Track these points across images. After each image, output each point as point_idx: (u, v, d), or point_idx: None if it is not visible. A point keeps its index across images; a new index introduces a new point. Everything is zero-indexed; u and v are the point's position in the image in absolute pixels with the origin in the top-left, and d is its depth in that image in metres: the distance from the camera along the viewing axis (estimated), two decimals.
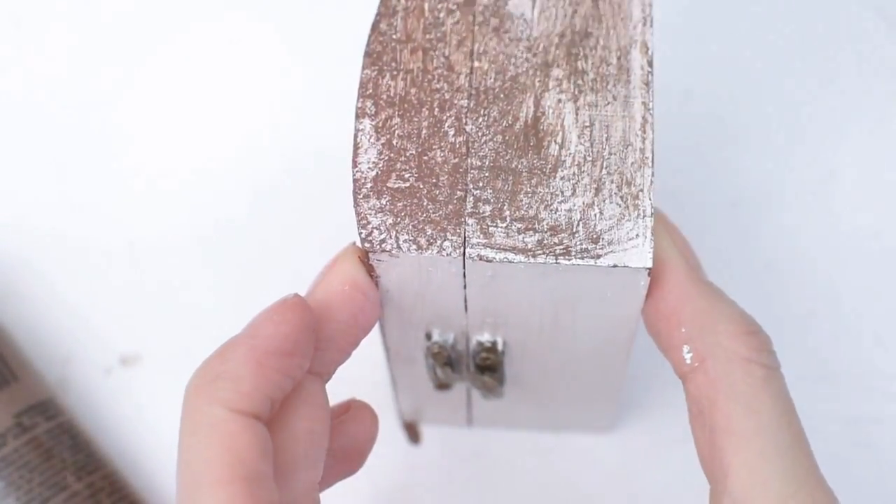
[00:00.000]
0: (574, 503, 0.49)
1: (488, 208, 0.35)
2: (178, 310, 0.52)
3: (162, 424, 0.50)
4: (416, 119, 0.36)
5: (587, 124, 0.36)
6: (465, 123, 0.36)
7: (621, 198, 0.35)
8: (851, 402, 0.49)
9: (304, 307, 0.34)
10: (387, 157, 0.36)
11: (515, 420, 0.48)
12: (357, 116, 0.37)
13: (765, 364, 0.35)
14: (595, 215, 0.35)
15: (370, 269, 0.36)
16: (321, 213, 0.53)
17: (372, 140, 0.36)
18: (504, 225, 0.35)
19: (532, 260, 0.35)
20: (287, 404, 0.35)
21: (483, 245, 0.35)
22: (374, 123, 0.36)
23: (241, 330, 0.34)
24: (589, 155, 0.36)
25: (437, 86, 0.37)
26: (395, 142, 0.36)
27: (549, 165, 0.36)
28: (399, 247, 0.35)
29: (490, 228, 0.35)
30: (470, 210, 0.35)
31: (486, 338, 0.40)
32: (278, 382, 0.34)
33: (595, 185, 0.35)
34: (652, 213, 0.35)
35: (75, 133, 0.54)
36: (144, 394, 0.51)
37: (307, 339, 0.34)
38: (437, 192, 0.36)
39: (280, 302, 0.35)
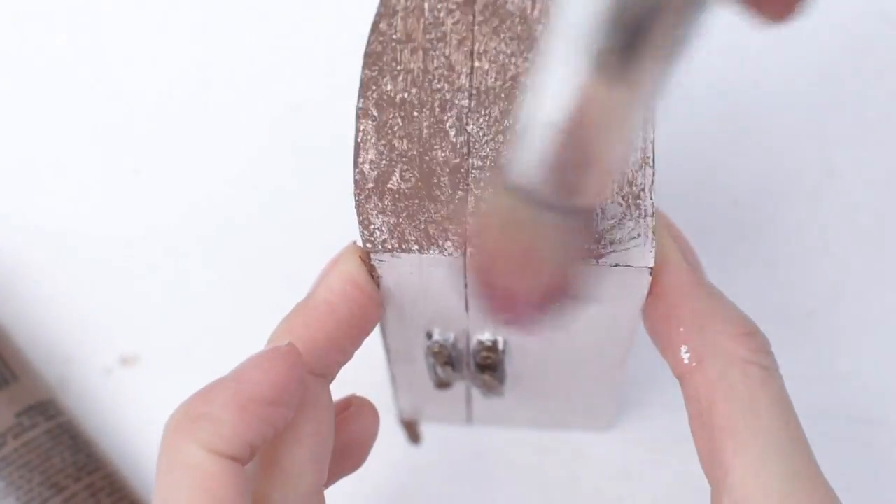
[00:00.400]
0: (574, 503, 0.49)
1: None
2: (178, 310, 0.52)
3: (162, 424, 0.50)
4: (416, 119, 0.36)
5: None
6: (467, 123, 0.36)
7: (622, 197, 0.35)
8: (851, 402, 0.49)
9: (295, 357, 0.34)
10: (388, 158, 0.36)
11: (515, 419, 0.48)
12: (358, 117, 0.37)
13: (763, 365, 0.35)
14: (596, 215, 0.35)
15: (371, 270, 0.36)
16: (322, 213, 0.53)
17: (373, 140, 0.36)
18: None
19: None
20: None
21: None
22: (374, 124, 0.36)
23: (228, 372, 0.34)
24: None
25: (438, 86, 0.37)
26: (395, 142, 0.36)
27: None
28: (401, 247, 0.35)
29: None
30: (471, 210, 0.35)
31: (486, 337, 0.40)
32: (260, 430, 0.33)
33: None
34: (653, 213, 0.35)
35: (76, 132, 0.54)
36: (144, 394, 0.51)
37: (294, 390, 0.34)
38: (439, 192, 0.36)
39: (272, 349, 0.34)
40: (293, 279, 0.52)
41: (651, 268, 0.35)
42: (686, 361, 0.35)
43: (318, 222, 0.53)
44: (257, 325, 0.52)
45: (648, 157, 0.36)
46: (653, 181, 0.35)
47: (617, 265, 0.35)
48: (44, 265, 0.52)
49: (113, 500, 0.46)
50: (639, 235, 0.35)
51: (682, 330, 0.36)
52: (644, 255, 0.35)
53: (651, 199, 0.35)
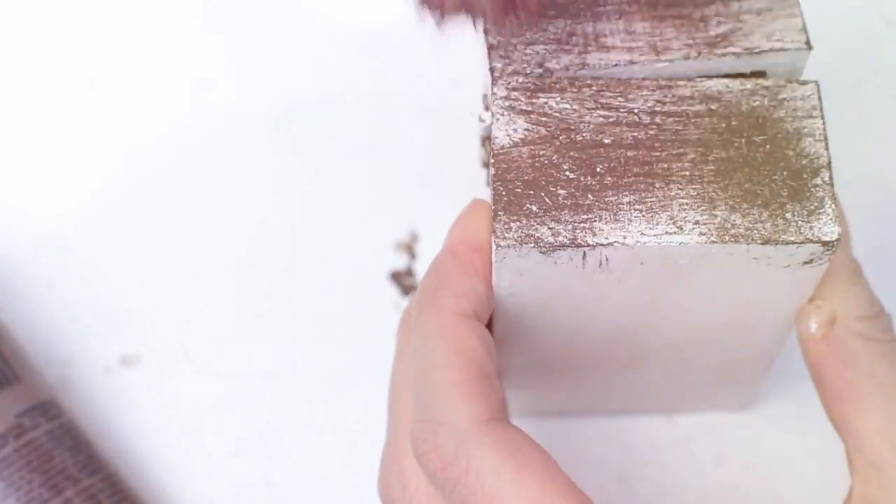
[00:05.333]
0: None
1: None
2: (178, 310, 0.52)
3: (162, 424, 0.50)
4: None
5: None
6: None
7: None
8: None
9: (484, 205, 0.38)
10: None
11: (644, 403, 0.48)
12: None
13: (884, 339, 0.38)
14: None
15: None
16: (323, 214, 0.53)
17: None
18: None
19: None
20: None
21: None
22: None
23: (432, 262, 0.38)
24: None
25: None
26: None
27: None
28: None
29: None
30: None
31: None
32: (483, 276, 0.37)
33: None
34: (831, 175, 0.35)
35: (75, 132, 0.54)
36: (144, 394, 0.51)
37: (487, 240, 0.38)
38: None
39: (465, 207, 0.38)
40: (294, 279, 0.52)
41: (837, 240, 0.35)
42: (812, 331, 0.38)
43: (320, 223, 0.53)
44: (258, 325, 0.52)
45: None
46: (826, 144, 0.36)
47: (803, 242, 0.34)
48: (44, 265, 0.52)
49: (113, 502, 0.46)
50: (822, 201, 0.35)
51: (818, 302, 0.38)
52: (828, 227, 0.35)
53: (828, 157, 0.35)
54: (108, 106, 0.55)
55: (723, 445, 0.49)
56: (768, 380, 0.48)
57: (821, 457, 0.47)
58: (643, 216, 0.35)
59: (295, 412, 0.50)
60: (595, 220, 0.35)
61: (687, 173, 0.35)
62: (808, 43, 0.37)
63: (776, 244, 0.34)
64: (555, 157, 0.35)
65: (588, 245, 0.34)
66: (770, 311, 0.39)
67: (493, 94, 0.36)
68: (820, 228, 0.34)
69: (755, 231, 0.34)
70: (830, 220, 0.35)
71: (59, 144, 0.54)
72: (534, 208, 0.35)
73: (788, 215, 0.35)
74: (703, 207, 0.35)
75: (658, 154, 0.35)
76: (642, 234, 0.34)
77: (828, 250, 0.35)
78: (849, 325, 0.38)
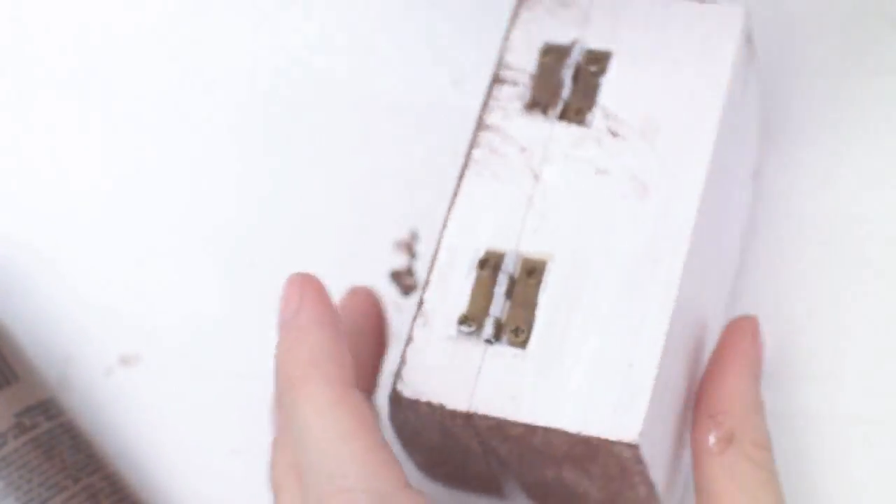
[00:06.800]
0: None
1: None
2: (178, 310, 0.52)
3: (162, 424, 0.50)
4: None
5: None
6: None
7: None
8: (851, 402, 0.49)
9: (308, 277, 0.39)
10: None
11: None
12: None
13: (768, 470, 0.41)
14: None
15: None
16: (322, 215, 0.53)
17: None
18: None
19: None
20: None
21: None
22: None
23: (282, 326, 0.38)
24: None
25: None
26: None
27: None
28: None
29: None
30: None
31: None
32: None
33: None
34: None
35: (75, 132, 0.54)
36: (144, 394, 0.51)
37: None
38: None
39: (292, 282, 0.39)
40: None
41: None
42: (710, 445, 0.41)
43: (319, 224, 0.53)
44: (257, 325, 0.52)
45: None
46: None
47: None
48: (44, 264, 0.52)
49: (113, 501, 0.46)
50: None
51: (720, 419, 0.41)
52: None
53: None
54: (107, 105, 0.55)
55: None
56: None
57: None
58: None
59: None
60: None
61: None
62: None
63: None
64: None
65: None
66: None
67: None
68: None
69: None
70: None
71: (58, 144, 0.54)
72: None
73: None
74: None
75: None
76: None
77: None
78: (745, 448, 0.40)
